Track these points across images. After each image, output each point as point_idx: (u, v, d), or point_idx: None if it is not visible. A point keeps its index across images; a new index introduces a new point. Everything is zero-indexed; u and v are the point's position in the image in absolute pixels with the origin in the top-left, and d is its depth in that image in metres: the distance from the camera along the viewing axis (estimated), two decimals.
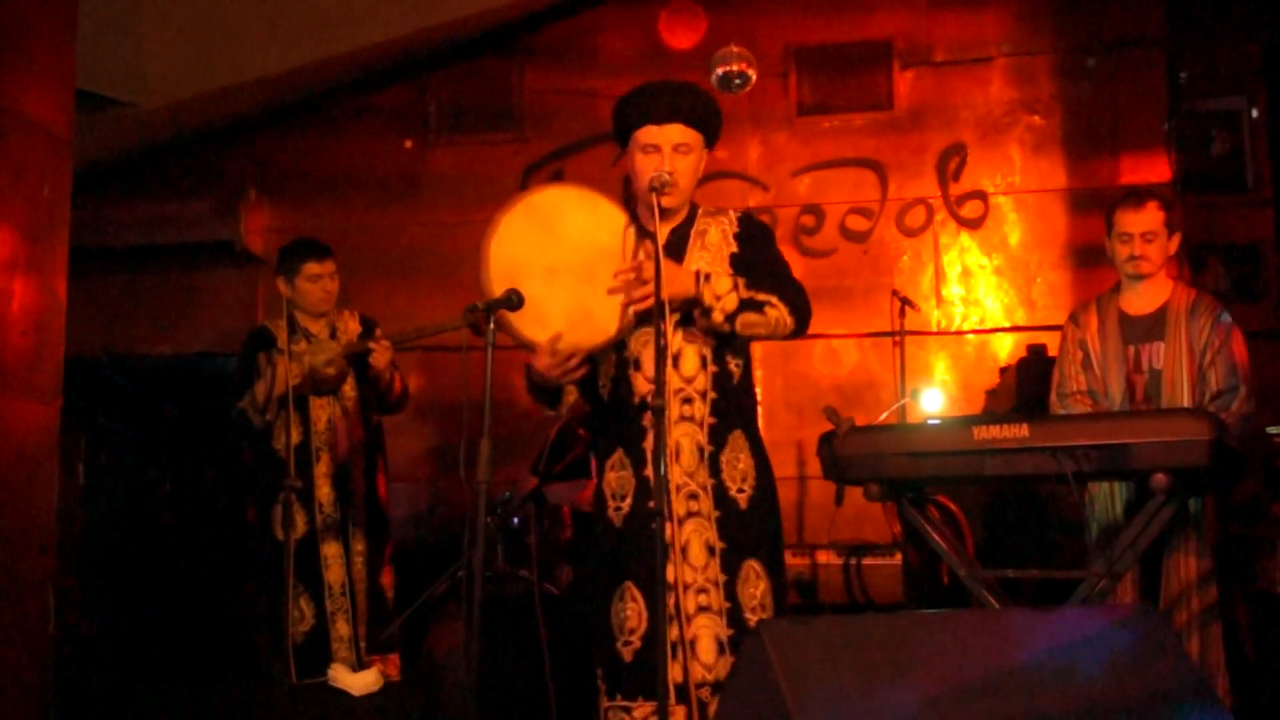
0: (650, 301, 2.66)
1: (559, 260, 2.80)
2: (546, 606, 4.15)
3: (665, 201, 2.78)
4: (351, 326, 4.53)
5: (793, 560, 4.92)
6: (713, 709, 2.74)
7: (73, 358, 3.28)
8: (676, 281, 2.70)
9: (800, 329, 2.87)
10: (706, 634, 2.79)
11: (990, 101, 6.07)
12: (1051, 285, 5.92)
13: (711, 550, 2.83)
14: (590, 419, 3.04)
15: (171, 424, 6.71)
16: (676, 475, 2.83)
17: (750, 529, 2.85)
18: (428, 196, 6.44)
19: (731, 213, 3.02)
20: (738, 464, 2.88)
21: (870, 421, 4.58)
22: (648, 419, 2.83)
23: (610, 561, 2.89)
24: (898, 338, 5.25)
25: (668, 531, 2.65)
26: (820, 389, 5.95)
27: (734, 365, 2.92)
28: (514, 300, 2.68)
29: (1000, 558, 4.80)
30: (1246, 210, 6.02)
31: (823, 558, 5.01)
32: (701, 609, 2.80)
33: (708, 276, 2.77)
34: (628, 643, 2.82)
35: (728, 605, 2.80)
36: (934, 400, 5.83)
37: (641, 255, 2.80)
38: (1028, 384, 5.05)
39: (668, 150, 2.86)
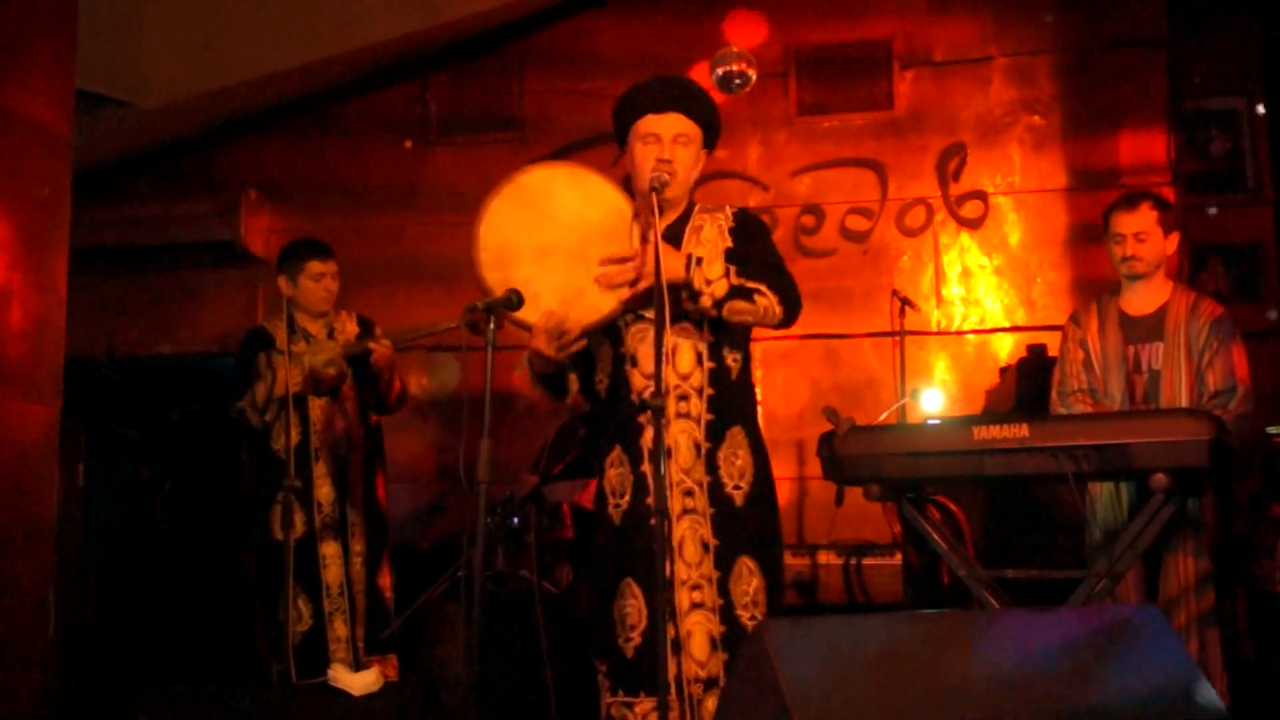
0: (631, 287, 2.69)
1: (550, 240, 2.80)
2: (546, 606, 4.16)
3: (664, 194, 2.79)
4: (349, 327, 4.53)
5: (793, 560, 4.92)
6: (706, 705, 2.75)
7: (73, 358, 3.28)
8: (667, 266, 2.68)
9: (789, 319, 2.87)
10: (700, 630, 2.79)
11: (990, 101, 6.07)
12: (1051, 285, 5.91)
13: (706, 547, 2.83)
14: (590, 417, 3.04)
15: (172, 424, 6.72)
16: (673, 472, 2.83)
17: (745, 526, 2.85)
18: (427, 197, 6.43)
19: (728, 208, 3.03)
20: (735, 460, 2.88)
21: (870, 421, 4.58)
22: (645, 416, 2.83)
23: (610, 558, 2.90)
24: (898, 338, 5.25)
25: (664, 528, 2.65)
26: (820, 389, 5.94)
27: (731, 360, 2.92)
28: (514, 300, 2.69)
29: (1000, 558, 4.80)
30: (1246, 210, 6.03)
31: (823, 558, 5.01)
32: (695, 605, 2.80)
33: (699, 261, 2.77)
34: (629, 639, 2.82)
35: (720, 602, 2.81)
36: (934, 400, 5.83)
37: (636, 241, 2.79)
38: (1028, 384, 5.05)
39: (667, 140, 2.87)
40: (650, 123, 2.88)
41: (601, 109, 3.42)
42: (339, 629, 4.29)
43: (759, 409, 3.16)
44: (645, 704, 2.78)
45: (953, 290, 5.99)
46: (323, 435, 4.38)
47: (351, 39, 5.82)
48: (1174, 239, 3.84)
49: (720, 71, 5.55)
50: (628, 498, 2.88)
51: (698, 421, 2.86)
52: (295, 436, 4.27)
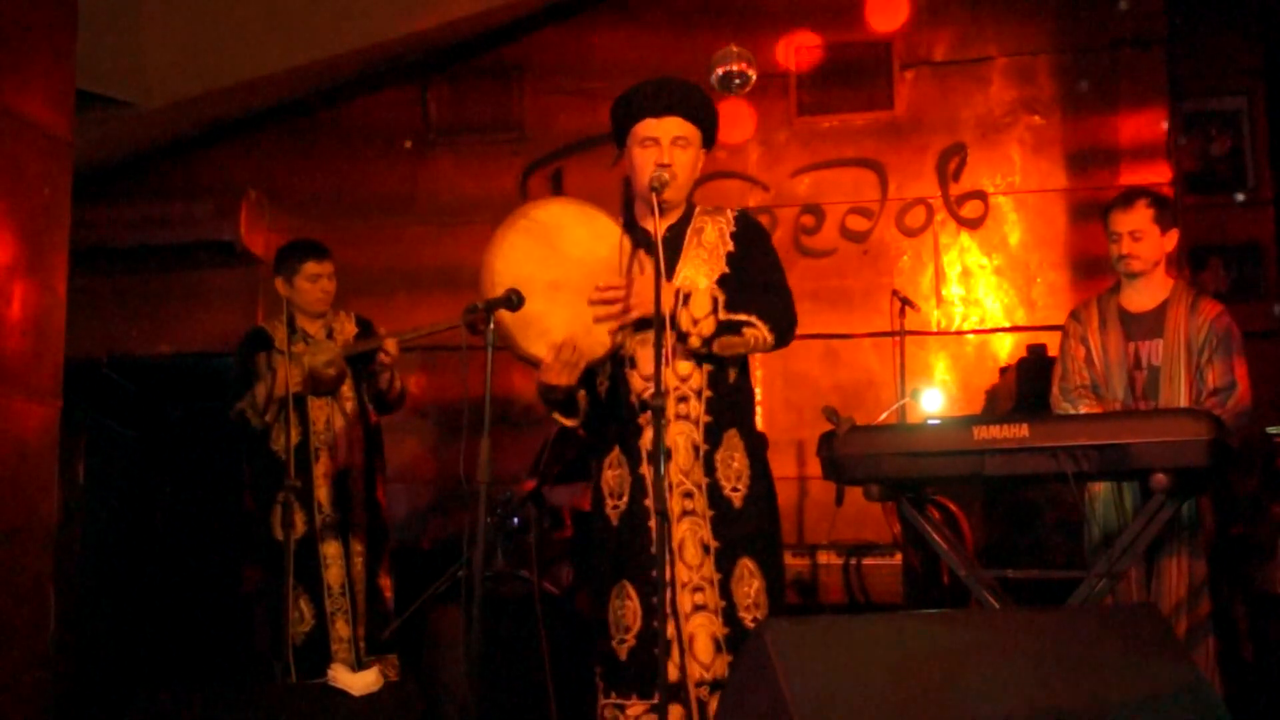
0: (623, 318, 2.74)
1: (560, 276, 2.82)
2: (546, 606, 4.15)
3: (664, 195, 2.79)
4: (348, 327, 4.53)
5: (793, 560, 4.92)
6: (712, 707, 2.74)
7: (73, 358, 3.28)
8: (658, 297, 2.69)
9: (780, 344, 2.89)
10: (703, 632, 2.79)
11: (990, 101, 6.07)
12: (1051, 285, 5.91)
13: (706, 549, 2.83)
14: (589, 418, 3.04)
15: (172, 424, 6.71)
16: (672, 474, 2.83)
17: (744, 527, 2.85)
18: (427, 197, 6.44)
19: (729, 211, 3.03)
20: (732, 463, 2.88)
21: (870, 421, 4.58)
22: (644, 417, 2.83)
23: (608, 560, 2.90)
24: (898, 338, 5.25)
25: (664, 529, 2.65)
26: (820, 389, 5.94)
27: (729, 363, 2.92)
28: (514, 300, 2.69)
29: (1000, 558, 4.81)
30: (1246, 210, 6.02)
31: (823, 558, 5.00)
32: (698, 607, 2.80)
33: (687, 298, 2.78)
34: (623, 640, 2.83)
35: (723, 603, 2.81)
36: (934, 400, 5.83)
37: (636, 269, 2.81)
38: (1028, 384, 5.05)
39: (666, 143, 2.87)
40: (648, 126, 2.88)
41: (600, 111, 3.42)
42: (341, 629, 4.29)
43: (758, 409, 3.16)
44: (638, 707, 2.78)
45: (953, 290, 5.99)
46: (323, 435, 4.38)
47: (352, 40, 5.82)
48: (1173, 236, 3.85)
49: (720, 71, 5.55)
50: (626, 499, 2.88)
51: (696, 423, 2.87)
52: (295, 437, 4.27)
